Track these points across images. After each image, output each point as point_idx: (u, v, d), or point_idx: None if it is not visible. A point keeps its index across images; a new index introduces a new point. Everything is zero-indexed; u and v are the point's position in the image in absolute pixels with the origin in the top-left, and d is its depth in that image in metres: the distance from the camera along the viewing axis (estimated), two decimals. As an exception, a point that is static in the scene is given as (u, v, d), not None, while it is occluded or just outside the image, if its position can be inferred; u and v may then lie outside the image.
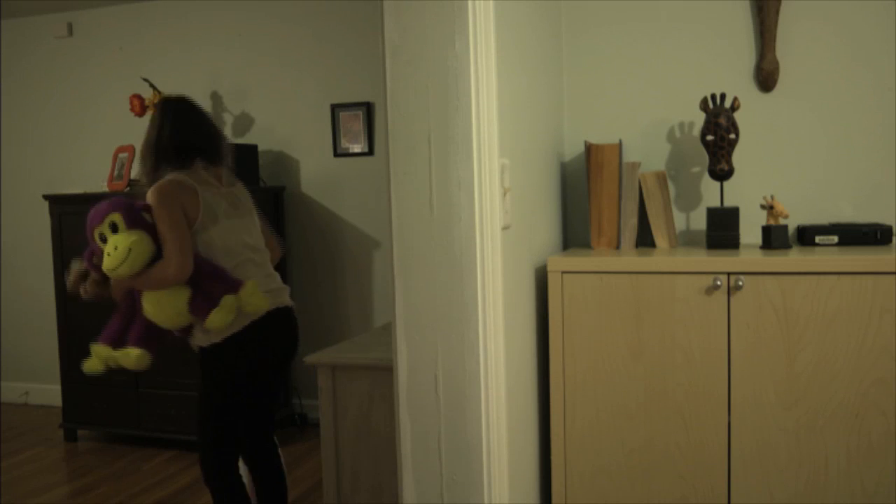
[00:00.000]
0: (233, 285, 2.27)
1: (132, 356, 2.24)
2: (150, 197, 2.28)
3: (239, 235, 2.37)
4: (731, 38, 2.32)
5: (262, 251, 2.45)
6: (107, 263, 2.19)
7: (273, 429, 2.60)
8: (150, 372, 3.91)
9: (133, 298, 2.29)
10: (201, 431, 2.39)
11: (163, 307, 2.23)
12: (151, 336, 2.29)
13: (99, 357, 2.26)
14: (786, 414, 1.92)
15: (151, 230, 2.23)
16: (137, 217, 2.24)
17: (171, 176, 2.32)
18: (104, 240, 2.23)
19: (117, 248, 2.18)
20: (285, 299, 2.44)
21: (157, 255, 2.22)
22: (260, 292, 2.30)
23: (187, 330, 2.33)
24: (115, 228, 2.21)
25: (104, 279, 2.30)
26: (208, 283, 2.24)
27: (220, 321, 2.21)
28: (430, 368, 1.57)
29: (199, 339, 2.32)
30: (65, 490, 3.44)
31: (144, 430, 4.00)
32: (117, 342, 2.28)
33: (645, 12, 2.38)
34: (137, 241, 2.19)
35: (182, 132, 2.40)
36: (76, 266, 2.35)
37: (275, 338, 2.39)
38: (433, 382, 1.57)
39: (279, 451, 2.60)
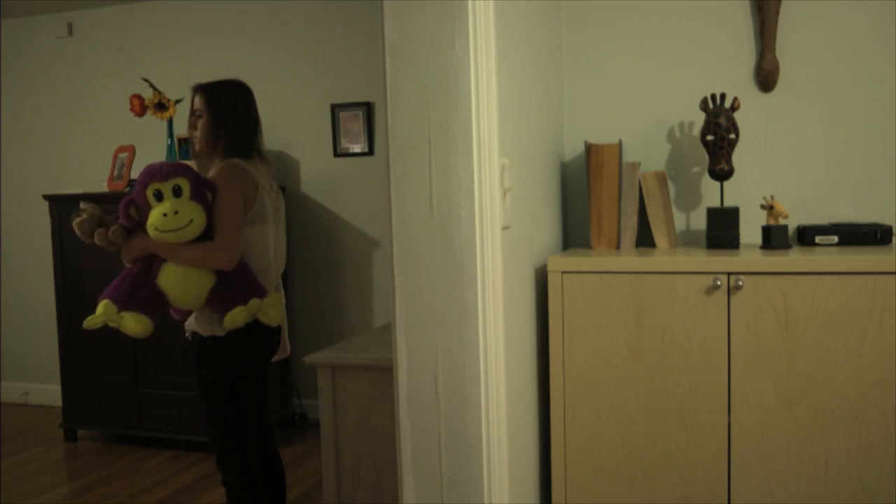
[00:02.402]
0: (259, 290, 2.26)
1: (136, 322, 2.15)
2: (218, 176, 2.25)
3: (271, 243, 2.38)
4: (731, 38, 2.32)
5: (280, 264, 2.47)
6: (160, 223, 2.14)
7: (270, 428, 2.59)
8: (150, 372, 3.95)
9: (149, 264, 2.22)
10: (215, 428, 2.34)
11: (187, 286, 2.18)
12: (157, 307, 2.21)
13: (106, 314, 2.14)
14: (786, 414, 1.92)
15: (207, 209, 2.20)
16: (201, 192, 2.20)
17: (238, 161, 2.32)
18: (159, 198, 2.17)
19: (178, 213, 2.14)
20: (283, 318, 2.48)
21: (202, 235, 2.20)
22: (280, 307, 2.32)
23: (186, 313, 2.32)
24: (177, 192, 2.17)
25: (128, 233, 2.22)
26: (237, 279, 2.23)
27: (239, 320, 2.20)
28: (430, 368, 1.57)
29: (201, 328, 2.29)
30: (65, 490, 3.44)
31: (144, 430, 4.00)
32: (123, 304, 2.17)
33: (645, 12, 2.38)
34: (199, 215, 2.17)
35: (257, 120, 2.45)
36: (89, 208, 2.24)
37: (265, 344, 2.41)
38: (433, 382, 1.57)
39: (278, 451, 2.60)
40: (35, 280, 4.86)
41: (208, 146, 2.38)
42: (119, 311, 2.15)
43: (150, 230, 2.16)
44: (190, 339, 2.35)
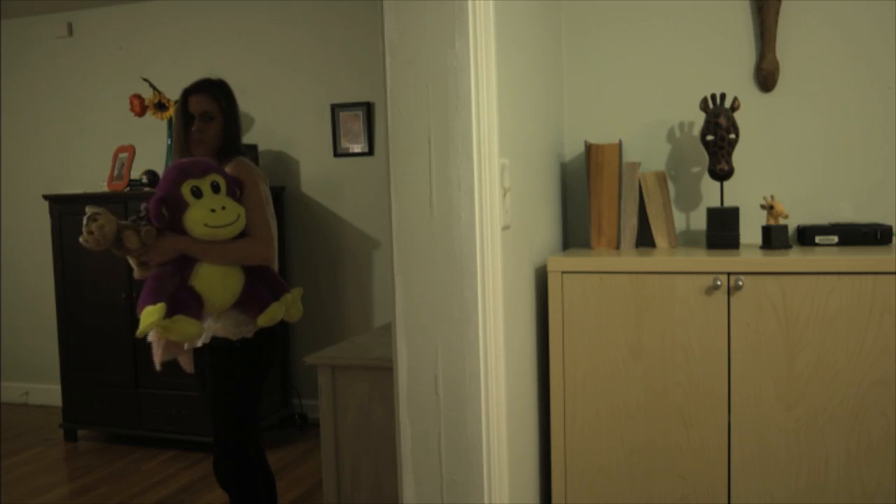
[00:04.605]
0: (283, 286, 2.23)
1: (189, 325, 2.01)
2: (240, 172, 2.22)
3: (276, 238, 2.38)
4: (731, 38, 2.32)
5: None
6: (211, 219, 2.07)
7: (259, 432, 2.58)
8: (149, 372, 3.95)
9: (179, 267, 2.09)
10: (225, 431, 2.30)
11: (226, 285, 2.11)
12: (198, 309, 2.07)
13: (158, 320, 1.98)
14: (786, 414, 1.92)
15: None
16: (233, 189, 2.17)
17: (246, 158, 2.32)
18: (197, 195, 2.08)
19: (225, 209, 2.08)
20: None
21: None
22: (300, 302, 2.30)
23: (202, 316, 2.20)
24: (216, 189, 2.11)
25: (158, 233, 2.09)
26: (265, 276, 2.21)
27: (278, 316, 2.18)
28: (430, 368, 1.57)
29: (229, 331, 2.22)
30: (65, 490, 3.44)
31: (144, 430, 4.00)
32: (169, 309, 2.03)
33: (645, 12, 2.38)
34: (242, 211, 2.14)
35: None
36: (102, 211, 2.04)
37: (282, 341, 2.42)
38: (433, 382, 1.57)
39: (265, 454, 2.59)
40: (35, 280, 4.86)
41: (222, 149, 2.34)
42: (167, 316, 2.00)
43: (195, 227, 2.07)
44: (207, 344, 2.26)
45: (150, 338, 2.12)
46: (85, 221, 2.03)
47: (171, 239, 2.10)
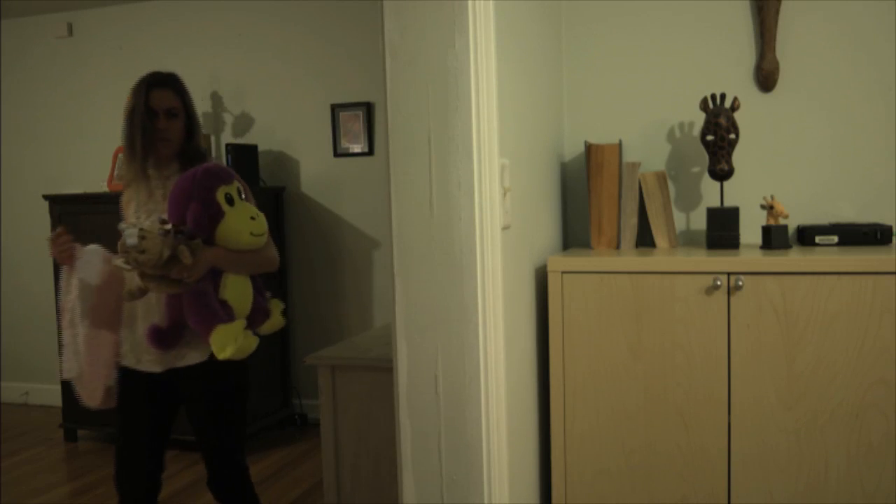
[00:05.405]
0: (264, 292, 2.17)
1: (253, 341, 1.95)
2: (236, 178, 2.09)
3: None
4: (731, 38, 2.32)
5: None
6: (255, 227, 1.99)
7: None
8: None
9: (210, 282, 1.97)
10: (235, 443, 2.20)
11: (246, 295, 2.03)
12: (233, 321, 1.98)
13: (239, 341, 1.92)
14: (786, 414, 1.92)
15: None
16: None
17: None
18: (230, 202, 1.97)
19: (260, 216, 2.01)
20: None
21: None
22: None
23: (170, 342, 2.08)
24: (240, 195, 2.02)
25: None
26: (259, 284, 2.15)
27: (277, 323, 2.15)
28: (430, 368, 1.57)
29: None
30: (65, 490, 3.44)
31: (144, 430, 3.99)
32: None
33: (645, 12, 2.38)
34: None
35: None
36: (149, 225, 1.85)
37: None
38: (433, 382, 1.57)
39: None
40: (35, 280, 4.86)
41: (187, 149, 2.18)
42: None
43: (239, 237, 1.98)
44: (210, 359, 2.10)
45: (70, 375, 2.04)
46: (128, 245, 1.82)
47: (211, 251, 1.97)
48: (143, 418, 2.19)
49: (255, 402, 4.05)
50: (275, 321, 2.18)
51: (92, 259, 2.07)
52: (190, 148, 2.19)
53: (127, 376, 2.16)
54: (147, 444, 2.20)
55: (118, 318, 2.13)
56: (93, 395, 2.10)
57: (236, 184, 2.03)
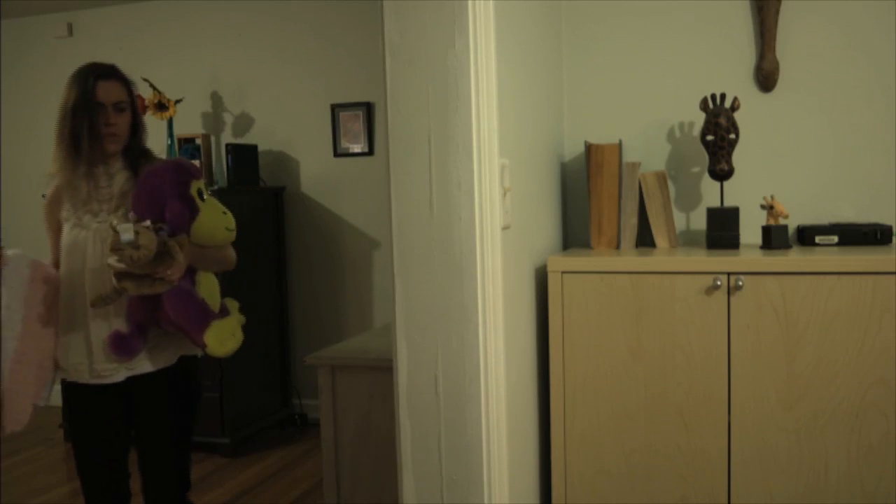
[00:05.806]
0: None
1: (241, 338, 1.95)
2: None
3: None
4: (731, 38, 2.32)
5: None
6: (229, 222, 1.95)
7: None
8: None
9: (189, 279, 1.93)
10: (186, 457, 2.11)
11: (216, 292, 2.00)
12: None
13: (238, 335, 1.92)
14: (786, 414, 1.92)
15: None
16: None
17: None
18: (201, 197, 1.92)
19: (228, 212, 1.97)
20: None
21: None
22: None
23: (131, 350, 1.97)
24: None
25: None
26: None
27: (241, 322, 2.07)
28: (430, 368, 1.57)
29: (187, 348, 2.05)
30: (65, 490, 3.44)
31: (144, 430, 3.99)
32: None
33: (645, 12, 2.37)
34: None
35: None
36: (142, 228, 1.77)
37: None
38: (433, 382, 1.57)
39: None
40: (35, 280, 4.85)
41: (133, 146, 2.06)
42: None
43: (216, 232, 1.93)
44: (175, 364, 2.04)
45: None
46: (123, 241, 1.75)
47: (192, 249, 1.93)
48: (101, 440, 2.04)
49: (255, 402, 4.06)
50: (239, 318, 2.04)
51: (18, 265, 1.91)
52: (135, 144, 2.07)
53: (75, 393, 2.02)
54: (110, 464, 2.06)
55: (51, 330, 1.98)
56: (18, 418, 1.90)
57: (202, 179, 1.99)
